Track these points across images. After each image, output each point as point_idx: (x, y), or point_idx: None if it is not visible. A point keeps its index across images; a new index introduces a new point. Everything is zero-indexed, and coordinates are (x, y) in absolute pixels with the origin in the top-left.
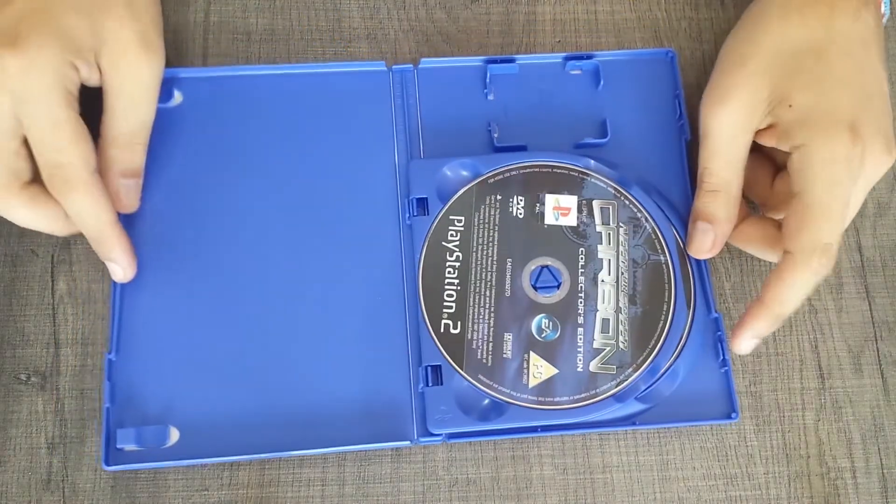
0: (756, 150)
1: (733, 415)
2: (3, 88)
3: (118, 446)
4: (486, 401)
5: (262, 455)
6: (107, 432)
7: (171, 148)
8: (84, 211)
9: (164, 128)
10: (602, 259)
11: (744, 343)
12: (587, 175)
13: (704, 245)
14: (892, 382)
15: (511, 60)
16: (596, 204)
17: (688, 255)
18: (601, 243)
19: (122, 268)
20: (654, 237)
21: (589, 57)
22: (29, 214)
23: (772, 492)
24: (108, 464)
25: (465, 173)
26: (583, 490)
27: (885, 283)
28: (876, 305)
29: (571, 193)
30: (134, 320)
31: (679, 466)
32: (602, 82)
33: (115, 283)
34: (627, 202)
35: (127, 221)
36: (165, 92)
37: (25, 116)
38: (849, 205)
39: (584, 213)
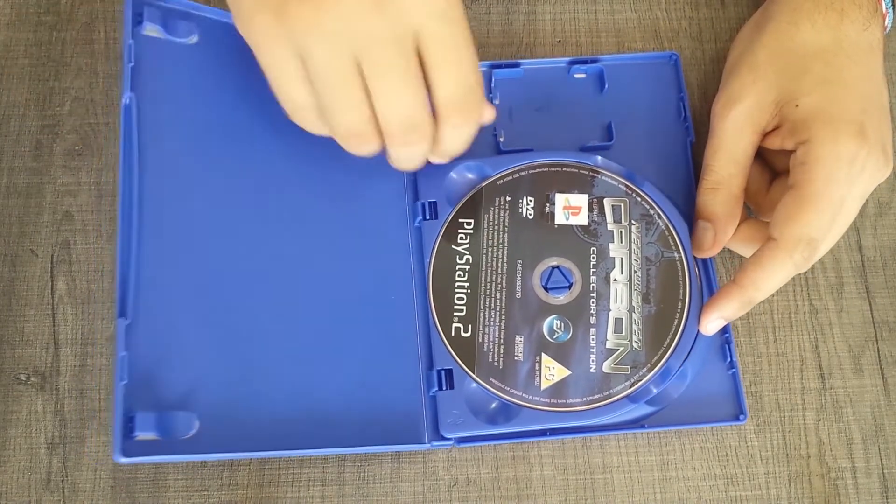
0: (755, 155)
1: (741, 416)
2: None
3: (135, 434)
4: (498, 403)
5: (278, 453)
6: (123, 416)
7: (187, 89)
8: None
9: (181, 62)
10: (614, 258)
11: (711, 324)
12: (597, 173)
13: (704, 243)
14: (893, 382)
15: (516, 65)
16: (607, 202)
17: (692, 254)
18: (613, 242)
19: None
20: (667, 234)
21: (593, 61)
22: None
23: (772, 492)
24: (125, 454)
25: (472, 176)
26: (583, 490)
27: (886, 283)
28: (876, 305)
29: (582, 192)
30: (145, 291)
31: (679, 467)
32: (606, 86)
33: (122, 242)
34: (639, 199)
35: (140, 174)
36: (185, 27)
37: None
38: (843, 206)
39: (595, 211)
